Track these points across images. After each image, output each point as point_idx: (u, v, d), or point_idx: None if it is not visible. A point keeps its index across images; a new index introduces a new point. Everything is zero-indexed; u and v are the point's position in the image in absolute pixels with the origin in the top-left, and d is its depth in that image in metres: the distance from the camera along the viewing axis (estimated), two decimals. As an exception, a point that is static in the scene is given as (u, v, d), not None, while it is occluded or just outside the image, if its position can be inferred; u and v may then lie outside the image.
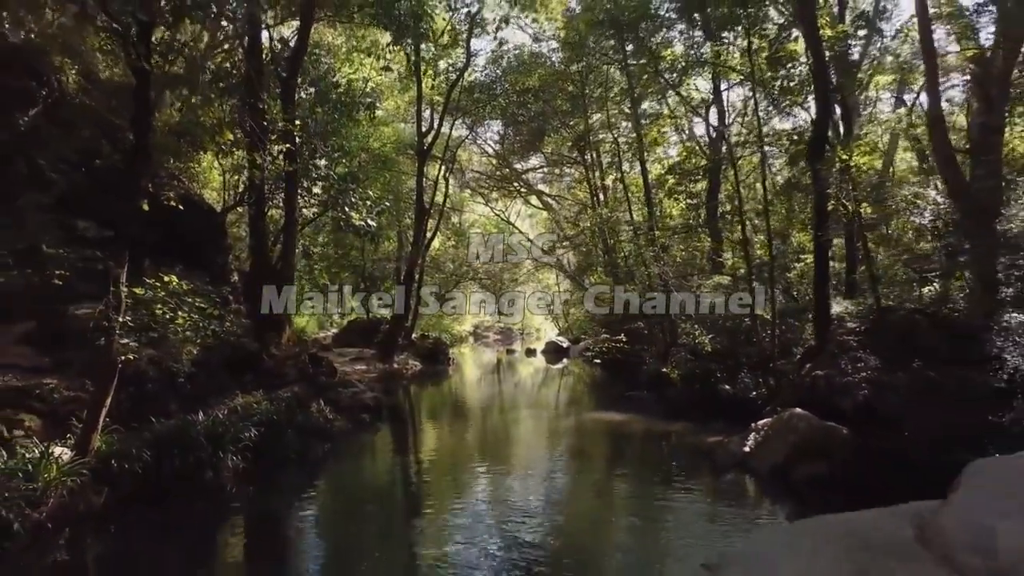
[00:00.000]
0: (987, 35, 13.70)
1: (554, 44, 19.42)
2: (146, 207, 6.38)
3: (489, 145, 27.00)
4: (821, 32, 11.46)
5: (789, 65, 11.57)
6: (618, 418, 11.78)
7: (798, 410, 7.87)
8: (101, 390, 6.52)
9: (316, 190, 13.07)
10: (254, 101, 9.05)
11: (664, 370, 12.66)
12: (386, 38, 12.72)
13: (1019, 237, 8.26)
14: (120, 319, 6.07)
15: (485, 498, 7.28)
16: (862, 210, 10.27)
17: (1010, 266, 7.56)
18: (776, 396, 10.06)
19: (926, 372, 7.56)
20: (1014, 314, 7.43)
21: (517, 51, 19.53)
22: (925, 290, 10.01)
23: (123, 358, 6.58)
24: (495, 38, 19.07)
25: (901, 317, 8.46)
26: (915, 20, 14.88)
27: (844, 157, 10.54)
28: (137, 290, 6.48)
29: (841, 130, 13.19)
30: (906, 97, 20.42)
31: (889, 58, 15.54)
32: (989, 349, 7.10)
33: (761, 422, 8.18)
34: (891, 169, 20.54)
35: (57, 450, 6.39)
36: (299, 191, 12.15)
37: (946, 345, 7.99)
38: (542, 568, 5.12)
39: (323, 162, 12.99)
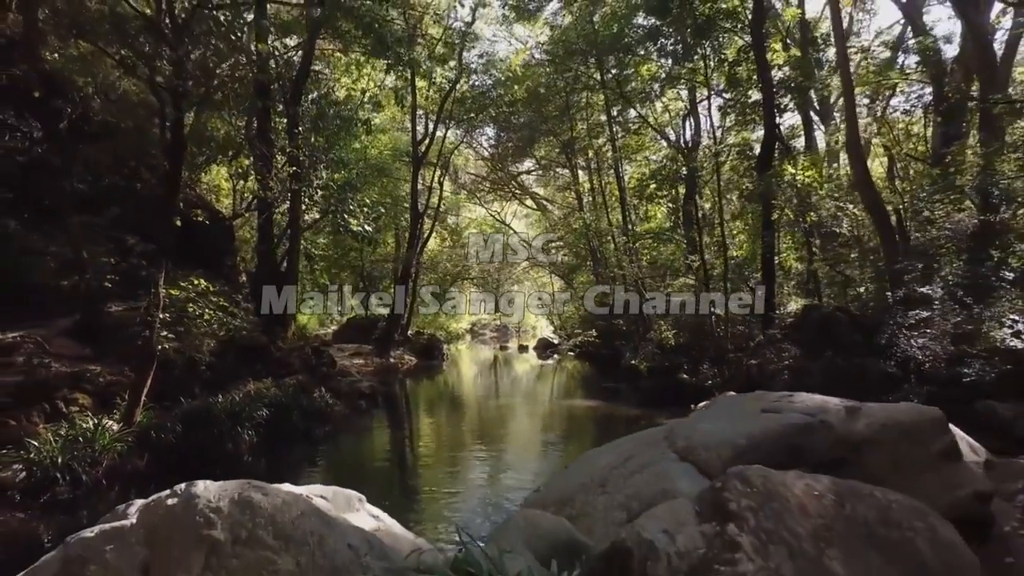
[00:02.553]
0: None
1: (541, 55, 21.01)
2: (178, 222, 7.92)
3: (483, 148, 28.55)
4: (778, 54, 12.99)
5: (745, 86, 13.06)
6: (590, 405, 13.31)
7: (730, 393, 9.34)
8: (142, 374, 8.09)
9: (316, 198, 14.60)
10: (264, 129, 10.55)
11: (633, 362, 14.19)
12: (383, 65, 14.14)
13: (926, 245, 9.75)
14: (160, 315, 7.61)
15: (467, 459, 8.95)
16: (806, 218, 11.75)
17: (903, 271, 9.04)
18: (727, 384, 11.58)
19: (836, 360, 9.07)
20: (912, 311, 8.90)
21: (505, 61, 21.11)
22: (860, 290, 11.49)
23: (160, 347, 8.16)
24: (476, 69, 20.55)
25: (823, 314, 9.95)
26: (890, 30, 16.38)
27: (791, 171, 12.05)
28: (173, 291, 8.03)
29: (788, 143, 14.68)
30: (878, 105, 21.93)
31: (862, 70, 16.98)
32: (881, 340, 8.59)
33: (700, 404, 9.68)
34: (864, 174, 21.97)
35: (107, 423, 7.98)
36: (301, 200, 13.69)
37: (859, 338, 9.49)
38: (504, 495, 6.78)
39: (323, 171, 14.51)
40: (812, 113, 21.12)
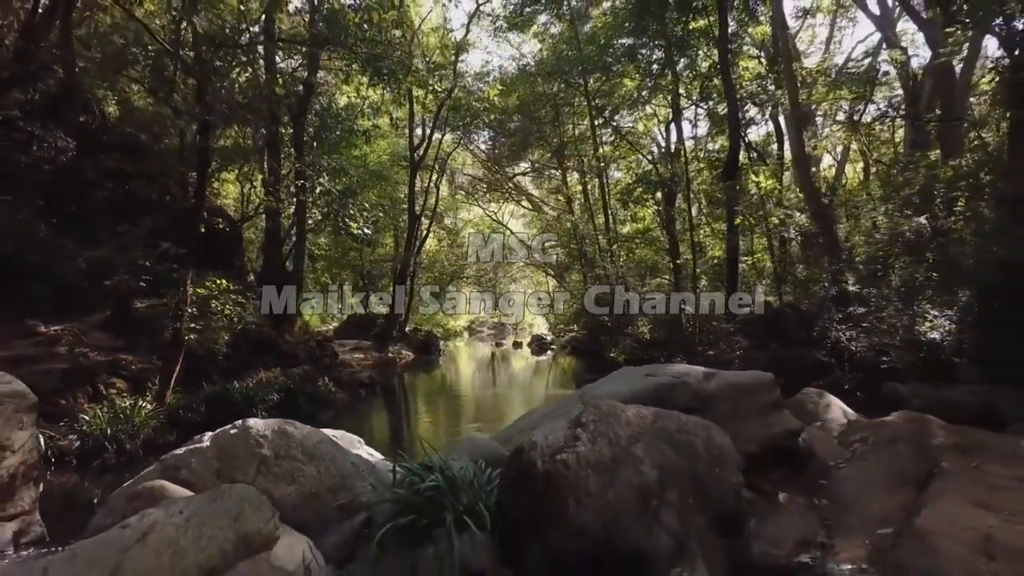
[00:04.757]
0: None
1: (533, 63, 22.43)
2: (203, 229, 9.35)
3: (480, 150, 29.92)
4: (747, 70, 14.35)
5: (717, 99, 14.43)
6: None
7: (687, 380, 10.81)
8: (172, 361, 9.53)
9: (320, 203, 16.05)
10: (273, 144, 11.99)
11: (612, 355, 15.61)
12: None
13: (868, 249, 11.12)
14: (188, 310, 9.05)
15: (455, 433, 10.41)
16: (768, 223, 13.12)
17: (839, 272, 10.42)
18: (694, 375, 13.02)
19: (779, 351, 10.46)
20: (849, 308, 10.29)
21: (501, 71, 22.52)
22: (815, 288, 12.86)
23: (186, 338, 9.60)
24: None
25: (773, 311, 11.35)
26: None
27: (755, 179, 13.42)
28: (200, 290, 9.47)
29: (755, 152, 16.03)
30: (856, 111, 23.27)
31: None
32: (813, 332, 9.97)
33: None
34: (843, 177, 23.35)
35: (142, 403, 9.42)
36: (306, 208, 15.14)
37: (804, 332, 10.88)
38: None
39: (325, 179, 15.93)
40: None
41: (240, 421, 4.33)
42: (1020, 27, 10.82)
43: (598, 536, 2.97)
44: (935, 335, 9.83)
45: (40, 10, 10.92)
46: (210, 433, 4.38)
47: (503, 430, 5.25)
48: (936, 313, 9.92)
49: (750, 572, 3.35)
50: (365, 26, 9.34)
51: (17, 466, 5.19)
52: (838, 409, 6.24)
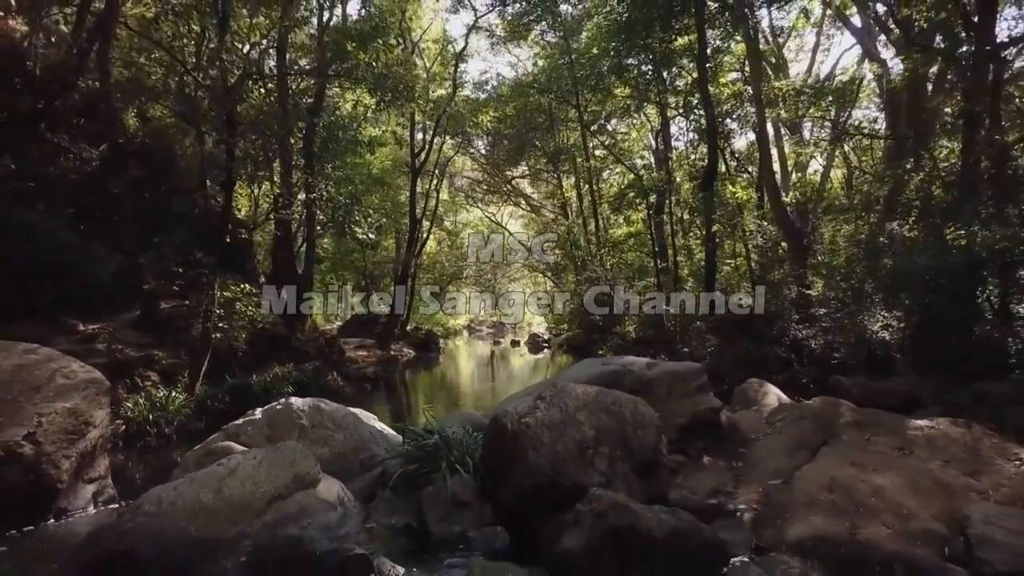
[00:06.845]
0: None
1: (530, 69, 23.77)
2: (228, 239, 10.70)
3: (479, 154, 31.24)
4: (724, 86, 15.62)
5: (698, 113, 15.71)
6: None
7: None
8: (200, 356, 10.89)
9: (326, 209, 17.39)
10: (286, 160, 13.34)
11: (601, 352, 16.93)
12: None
13: (829, 255, 12.42)
14: (216, 311, 10.41)
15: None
16: (744, 230, 14.41)
17: (800, 276, 11.73)
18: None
19: (747, 348, 11.78)
20: (810, 309, 11.59)
21: (498, 79, 23.87)
22: (786, 291, 14.15)
23: (213, 336, 10.97)
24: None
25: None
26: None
27: (732, 189, 14.71)
28: (226, 292, 10.83)
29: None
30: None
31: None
32: (774, 331, 11.29)
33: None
34: (828, 182, 24.61)
35: (174, 394, 10.78)
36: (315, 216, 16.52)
37: (769, 330, 12.19)
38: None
39: (331, 188, 17.28)
40: (781, 126, 23.81)
41: (284, 399, 5.68)
42: (972, 56, 12.00)
43: (548, 475, 4.30)
44: (885, 334, 11.14)
45: (82, 23, 12.22)
46: (260, 409, 5.73)
47: (492, 410, 6.60)
48: (887, 314, 11.22)
49: (661, 503, 4.67)
50: (373, 64, 10.62)
51: (97, 439, 6.54)
52: (774, 396, 7.56)
